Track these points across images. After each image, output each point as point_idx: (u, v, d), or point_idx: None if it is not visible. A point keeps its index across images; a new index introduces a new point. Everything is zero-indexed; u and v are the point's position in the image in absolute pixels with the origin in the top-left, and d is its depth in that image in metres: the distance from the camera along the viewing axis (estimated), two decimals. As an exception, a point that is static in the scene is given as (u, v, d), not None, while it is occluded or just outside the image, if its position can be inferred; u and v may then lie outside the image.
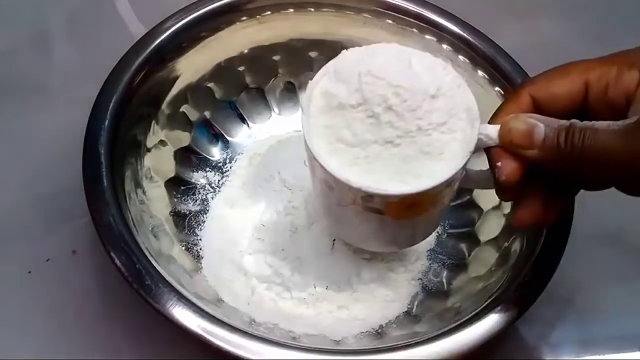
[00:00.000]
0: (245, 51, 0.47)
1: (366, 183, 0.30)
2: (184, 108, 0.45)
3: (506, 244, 0.41)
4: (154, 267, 0.34)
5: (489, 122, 0.31)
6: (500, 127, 0.30)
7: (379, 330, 0.39)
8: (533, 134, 0.29)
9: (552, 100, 0.30)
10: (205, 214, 0.43)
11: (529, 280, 0.36)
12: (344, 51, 0.32)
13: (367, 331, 0.39)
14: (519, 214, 0.32)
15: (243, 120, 0.48)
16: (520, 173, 0.30)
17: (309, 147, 0.31)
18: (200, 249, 0.42)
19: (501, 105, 0.32)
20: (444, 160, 0.30)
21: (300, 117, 0.32)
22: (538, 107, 0.31)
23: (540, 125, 0.29)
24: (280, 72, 0.48)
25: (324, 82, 0.32)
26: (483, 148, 0.31)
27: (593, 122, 0.28)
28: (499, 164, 0.30)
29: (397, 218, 0.32)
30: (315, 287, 0.40)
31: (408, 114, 0.29)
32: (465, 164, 0.30)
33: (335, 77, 0.31)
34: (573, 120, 0.28)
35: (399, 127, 0.29)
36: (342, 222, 0.36)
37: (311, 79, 0.32)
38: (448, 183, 0.30)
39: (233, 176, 0.45)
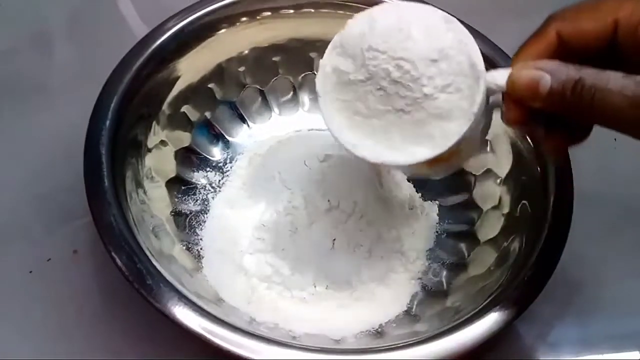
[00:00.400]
0: (246, 52, 0.47)
1: (381, 158, 0.32)
2: (184, 108, 0.45)
3: (505, 244, 0.41)
4: (155, 266, 0.34)
5: (512, 60, 0.31)
6: (508, 76, 0.30)
7: (379, 330, 0.39)
8: (538, 86, 0.28)
9: (579, 37, 0.29)
10: (206, 213, 0.43)
11: (528, 279, 0.36)
12: (348, 22, 0.33)
13: (367, 330, 0.39)
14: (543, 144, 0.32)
15: (243, 120, 0.48)
16: (524, 118, 0.30)
17: (327, 124, 0.33)
18: (201, 249, 0.42)
19: (526, 41, 0.31)
20: (455, 119, 0.31)
21: (317, 97, 0.33)
22: (564, 44, 0.30)
23: (547, 77, 0.28)
24: (280, 73, 0.48)
25: (333, 58, 0.33)
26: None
27: (608, 76, 0.27)
28: (504, 108, 0.30)
29: (429, 168, 0.33)
30: (315, 287, 0.40)
31: (412, 83, 0.30)
32: (476, 118, 0.31)
33: (342, 52, 0.32)
34: (583, 73, 0.27)
35: (406, 96, 0.31)
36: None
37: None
38: (460, 141, 0.31)
39: (233, 176, 0.45)
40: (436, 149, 0.31)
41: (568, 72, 0.28)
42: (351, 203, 0.40)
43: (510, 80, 0.29)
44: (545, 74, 0.28)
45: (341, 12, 0.46)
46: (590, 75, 0.27)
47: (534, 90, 0.28)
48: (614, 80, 0.27)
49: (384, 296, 0.40)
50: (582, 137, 0.32)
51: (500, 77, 0.30)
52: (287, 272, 0.40)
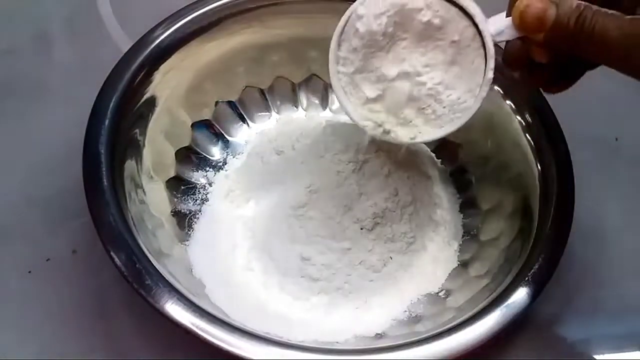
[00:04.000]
0: (245, 51, 0.47)
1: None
2: (184, 108, 0.45)
3: (506, 244, 0.41)
4: (154, 266, 0.34)
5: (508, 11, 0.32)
6: (513, 12, 0.30)
7: (379, 332, 0.39)
8: (545, 16, 0.29)
9: None
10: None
11: (528, 280, 0.36)
12: None
13: (367, 335, 0.39)
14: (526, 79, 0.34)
15: (243, 120, 0.48)
16: (524, 54, 0.32)
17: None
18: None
19: None
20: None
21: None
22: None
23: (553, 7, 0.29)
24: (280, 72, 0.48)
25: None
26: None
27: (606, 12, 0.28)
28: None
29: None
30: (314, 289, 0.40)
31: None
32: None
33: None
34: (585, 5, 0.28)
35: None
36: None
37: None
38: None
39: (233, 175, 0.45)
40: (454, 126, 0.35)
41: (572, 2, 0.29)
42: (370, 212, 0.40)
43: (520, 12, 0.30)
44: (552, 3, 0.29)
45: (342, 11, 0.46)
46: (592, 8, 0.28)
47: (542, 20, 0.29)
48: (612, 16, 0.28)
49: (385, 298, 0.40)
50: (566, 85, 0.34)
51: (501, 22, 0.32)
52: (285, 274, 0.40)
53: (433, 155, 0.47)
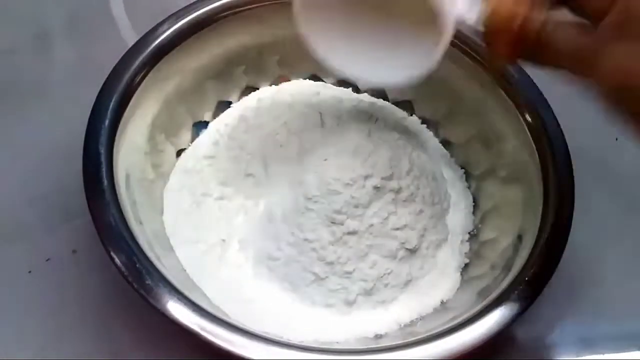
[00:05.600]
0: (246, 51, 0.47)
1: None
2: (184, 108, 0.45)
3: (505, 244, 0.41)
4: (154, 266, 0.34)
5: None
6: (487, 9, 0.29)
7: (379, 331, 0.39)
8: (513, 20, 0.28)
9: None
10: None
11: (528, 280, 0.36)
12: None
13: (366, 332, 0.39)
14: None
15: (243, 120, 0.48)
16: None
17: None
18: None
19: None
20: None
21: None
22: None
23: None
24: (280, 72, 0.48)
25: None
26: None
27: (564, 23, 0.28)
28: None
29: None
30: (316, 289, 0.40)
31: None
32: None
33: None
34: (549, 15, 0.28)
35: None
36: None
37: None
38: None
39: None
40: None
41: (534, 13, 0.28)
42: (376, 215, 0.39)
43: (492, 13, 0.28)
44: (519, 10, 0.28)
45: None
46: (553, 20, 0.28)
47: (511, 23, 0.28)
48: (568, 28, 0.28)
49: (389, 306, 0.40)
50: None
51: (469, 12, 0.30)
52: (282, 272, 0.40)
53: (448, 154, 0.47)
